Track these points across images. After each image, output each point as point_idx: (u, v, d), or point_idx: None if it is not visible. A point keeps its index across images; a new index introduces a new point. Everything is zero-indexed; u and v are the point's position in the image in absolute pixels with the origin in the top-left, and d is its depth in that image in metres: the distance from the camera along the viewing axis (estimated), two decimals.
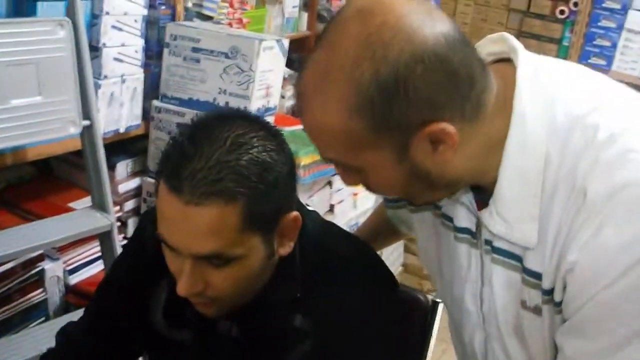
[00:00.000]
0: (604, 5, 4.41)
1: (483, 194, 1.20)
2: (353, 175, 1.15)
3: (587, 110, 1.11)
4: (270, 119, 2.70)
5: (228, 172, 1.14)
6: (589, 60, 4.51)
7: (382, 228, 1.82)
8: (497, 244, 1.20)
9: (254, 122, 1.24)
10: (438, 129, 1.05)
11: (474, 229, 1.25)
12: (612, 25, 4.44)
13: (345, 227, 3.09)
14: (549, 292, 1.15)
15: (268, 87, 2.64)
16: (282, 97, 3.62)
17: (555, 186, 1.10)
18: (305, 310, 1.35)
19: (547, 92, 1.13)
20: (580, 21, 4.51)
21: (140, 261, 1.48)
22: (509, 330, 1.25)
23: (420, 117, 1.04)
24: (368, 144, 1.06)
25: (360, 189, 3.30)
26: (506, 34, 1.19)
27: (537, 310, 1.18)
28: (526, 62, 1.15)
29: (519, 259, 1.18)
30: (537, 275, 1.16)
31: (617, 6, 4.38)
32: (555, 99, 1.12)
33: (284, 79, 3.23)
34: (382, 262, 1.47)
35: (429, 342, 1.78)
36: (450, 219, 1.31)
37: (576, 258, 1.07)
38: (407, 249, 4.15)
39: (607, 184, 1.05)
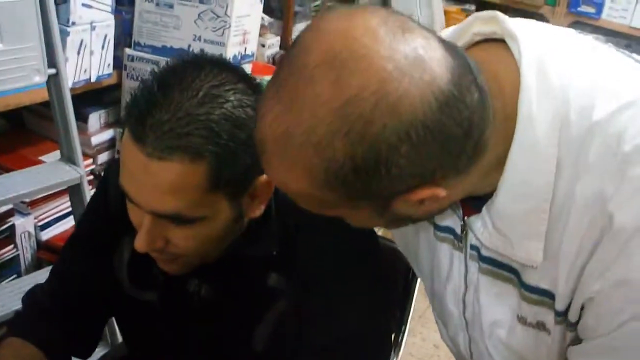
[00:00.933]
0: None
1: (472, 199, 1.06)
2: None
3: (607, 114, 0.94)
4: (247, 67, 2.65)
5: (197, 126, 1.06)
6: (579, 9, 4.42)
7: None
8: (487, 253, 1.09)
9: (233, 72, 1.15)
10: (426, 195, 0.91)
11: (458, 231, 1.14)
12: None
13: None
14: (562, 313, 1.05)
15: (245, 33, 2.57)
16: (262, 45, 3.55)
17: (570, 202, 0.97)
18: (280, 269, 1.28)
19: (557, 92, 0.96)
20: None
21: (103, 217, 1.41)
22: (495, 343, 1.16)
23: (404, 186, 0.90)
24: (342, 206, 0.94)
25: None
26: (499, 14, 1.02)
27: (540, 326, 1.09)
28: (529, 53, 0.97)
29: (514, 271, 1.08)
30: (546, 293, 1.05)
31: None
32: (569, 100, 0.96)
33: (263, 26, 3.15)
34: None
35: (412, 297, 1.73)
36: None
37: (599, 287, 0.98)
38: None
39: (636, 212, 0.93)
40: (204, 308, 1.34)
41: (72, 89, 2.19)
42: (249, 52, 2.65)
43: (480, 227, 1.04)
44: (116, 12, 2.48)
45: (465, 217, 1.09)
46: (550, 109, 0.95)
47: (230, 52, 2.51)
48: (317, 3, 4.78)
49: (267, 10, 2.70)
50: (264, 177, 1.17)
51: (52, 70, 2.04)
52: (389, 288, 1.41)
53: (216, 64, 1.15)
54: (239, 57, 2.58)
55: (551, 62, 0.97)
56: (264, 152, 0.91)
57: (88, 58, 2.37)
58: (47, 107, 2.28)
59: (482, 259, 1.10)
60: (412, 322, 1.78)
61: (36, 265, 2.42)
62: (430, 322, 1.36)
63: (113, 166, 1.42)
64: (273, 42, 3.79)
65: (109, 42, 2.45)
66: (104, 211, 1.41)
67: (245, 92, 1.12)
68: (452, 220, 1.14)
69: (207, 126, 1.06)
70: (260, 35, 2.85)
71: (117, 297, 1.41)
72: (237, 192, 1.16)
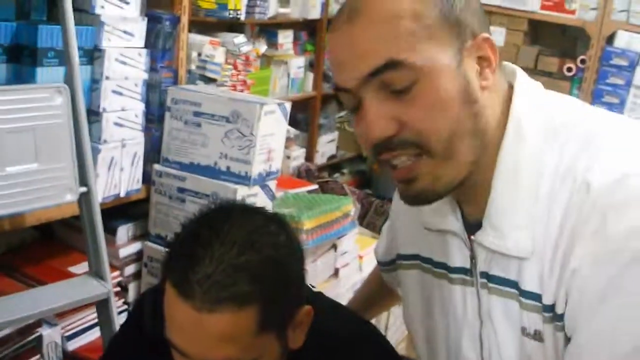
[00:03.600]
0: (611, 62, 4.38)
1: (472, 225, 1.21)
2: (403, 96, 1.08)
3: (583, 118, 1.15)
4: (272, 183, 2.70)
5: (241, 275, 1.11)
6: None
7: (379, 292, 1.80)
8: (493, 271, 1.18)
9: (261, 215, 1.22)
10: (483, 38, 1.10)
11: (468, 265, 1.23)
12: (621, 82, 4.41)
13: (349, 292, 3.08)
14: (551, 308, 1.10)
15: (270, 151, 2.62)
16: (288, 157, 3.62)
17: (553, 189, 1.09)
18: None
19: (544, 102, 1.17)
20: (588, 78, 4.49)
21: (137, 349, 1.42)
22: None
23: (471, 25, 1.09)
24: (432, 36, 1.06)
25: (365, 252, 3.26)
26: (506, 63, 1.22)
27: (537, 336, 1.14)
28: (523, 77, 1.19)
29: (514, 284, 1.15)
30: (536, 296, 1.12)
31: (625, 63, 4.35)
32: (553, 108, 1.16)
33: (289, 139, 3.22)
34: (388, 344, 1.44)
35: None
36: (442, 265, 1.29)
37: (580, 256, 1.04)
38: None
39: (610, 173, 1.04)
40: None
41: (101, 204, 2.23)
42: (273, 169, 2.69)
43: (481, 235, 1.17)
44: (146, 129, 2.56)
45: (471, 237, 1.20)
46: (536, 113, 1.14)
47: (256, 170, 2.55)
48: (340, 114, 4.89)
49: (292, 122, 2.76)
50: (305, 308, 1.23)
51: (84, 189, 2.09)
52: None
53: (244, 211, 1.22)
54: (264, 175, 2.62)
55: (539, 88, 1.20)
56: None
57: (118, 174, 2.44)
58: (77, 219, 2.33)
59: (490, 279, 1.19)
60: None
61: None
62: None
63: (148, 297, 1.46)
64: (298, 154, 3.87)
65: (138, 159, 2.52)
66: (137, 343, 1.42)
67: (277, 233, 1.18)
68: (462, 257, 1.25)
69: (250, 273, 1.11)
70: (285, 147, 2.90)
71: None
72: (284, 327, 1.20)
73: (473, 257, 1.22)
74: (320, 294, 1.42)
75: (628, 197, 1.02)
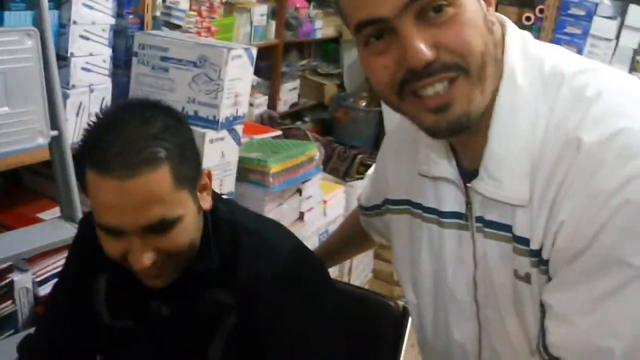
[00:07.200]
0: (569, 12, 4.42)
1: (467, 171, 1.25)
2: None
3: (574, 71, 1.15)
4: (239, 127, 2.73)
5: (148, 140, 1.24)
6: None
7: (354, 235, 1.84)
8: (489, 216, 1.22)
9: (150, 103, 1.36)
10: None
11: (463, 210, 1.27)
12: (578, 31, 4.46)
13: (314, 235, 3.14)
14: (537, 253, 1.15)
15: (237, 95, 2.64)
16: (251, 105, 3.63)
17: (544, 141, 1.12)
18: (226, 285, 1.42)
19: (534, 52, 1.19)
20: (546, 27, 4.53)
21: (80, 262, 1.56)
22: (508, 306, 1.24)
23: None
24: None
25: (328, 197, 3.31)
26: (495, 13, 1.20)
27: (526, 278, 1.18)
28: (513, 28, 1.21)
29: (508, 228, 1.19)
30: (526, 241, 1.16)
31: (582, 13, 4.40)
32: (543, 58, 1.18)
33: (253, 87, 3.22)
34: (292, 235, 1.57)
35: (401, 348, 1.79)
36: (433, 210, 1.34)
37: (568, 210, 1.07)
38: (377, 256, 4.15)
39: (601, 130, 1.06)
40: (167, 327, 1.47)
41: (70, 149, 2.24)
42: (240, 113, 2.71)
43: (478, 183, 1.20)
44: (113, 75, 2.56)
45: (468, 185, 1.24)
46: (529, 66, 1.17)
47: (223, 114, 2.58)
48: (303, 63, 4.90)
49: (255, 70, 2.76)
50: (206, 169, 1.40)
51: (55, 132, 2.11)
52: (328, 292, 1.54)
53: (137, 101, 1.39)
54: (231, 119, 2.65)
55: (530, 39, 1.21)
56: None
57: (86, 119, 2.43)
58: (45, 165, 2.34)
59: (486, 224, 1.23)
60: None
61: (34, 320, 2.40)
62: None
63: (85, 217, 1.63)
64: (261, 102, 3.87)
65: (106, 104, 2.52)
66: (79, 257, 1.57)
67: (167, 108, 1.35)
68: (456, 203, 1.29)
69: (154, 137, 1.25)
70: None
71: (99, 330, 1.54)
72: (193, 184, 1.34)
73: (469, 203, 1.26)
74: (231, 199, 1.54)
75: (619, 154, 1.03)
